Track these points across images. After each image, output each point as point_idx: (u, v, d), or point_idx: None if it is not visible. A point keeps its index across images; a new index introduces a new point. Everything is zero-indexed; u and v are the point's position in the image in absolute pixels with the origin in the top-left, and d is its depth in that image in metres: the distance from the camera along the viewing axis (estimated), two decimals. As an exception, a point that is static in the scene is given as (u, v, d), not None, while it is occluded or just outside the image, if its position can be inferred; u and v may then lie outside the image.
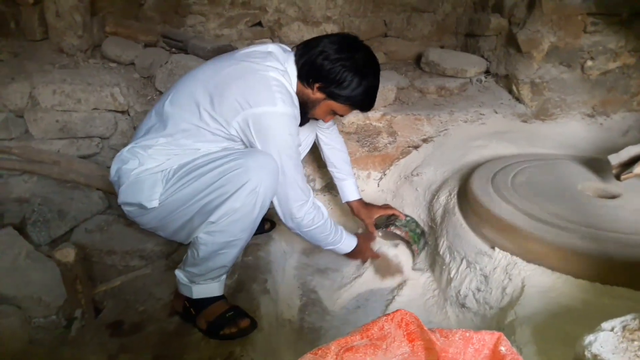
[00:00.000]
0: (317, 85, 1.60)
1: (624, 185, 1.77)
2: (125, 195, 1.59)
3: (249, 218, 1.48)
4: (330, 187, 2.50)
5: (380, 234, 2.07)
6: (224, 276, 1.63)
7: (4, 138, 2.23)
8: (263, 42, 1.71)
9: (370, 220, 2.07)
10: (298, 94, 1.62)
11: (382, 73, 2.80)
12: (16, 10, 2.54)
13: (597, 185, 1.87)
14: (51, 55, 2.53)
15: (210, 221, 1.47)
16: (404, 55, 3.31)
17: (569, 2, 2.44)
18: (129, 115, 2.43)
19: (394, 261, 1.99)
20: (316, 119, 1.76)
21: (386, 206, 2.13)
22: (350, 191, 2.11)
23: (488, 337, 0.77)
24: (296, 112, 1.57)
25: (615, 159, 1.73)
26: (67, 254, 1.60)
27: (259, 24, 3.13)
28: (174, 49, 2.86)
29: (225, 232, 1.47)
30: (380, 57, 3.19)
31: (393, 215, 2.06)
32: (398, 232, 1.98)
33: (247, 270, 1.89)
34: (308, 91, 1.62)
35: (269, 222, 2.21)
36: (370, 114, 2.54)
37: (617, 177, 1.73)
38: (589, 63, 2.56)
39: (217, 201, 1.45)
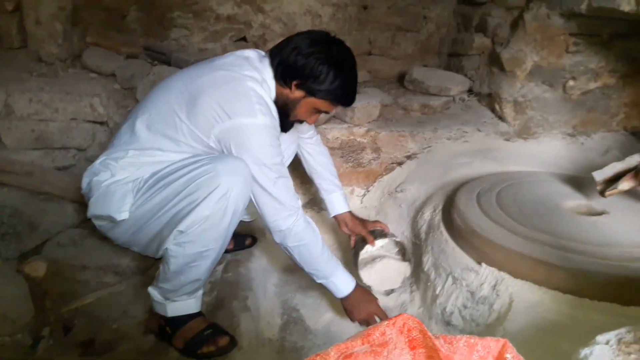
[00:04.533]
0: (294, 83, 1.55)
1: (608, 202, 1.77)
2: (94, 207, 1.53)
3: (221, 226, 1.41)
4: (313, 203, 2.46)
5: (380, 244, 1.93)
6: (200, 292, 1.57)
7: (-25, 147, 2.16)
8: (242, 49, 1.66)
9: (367, 231, 1.93)
10: (278, 96, 1.58)
11: (366, 90, 2.86)
12: (-6, 17, 2.49)
13: (581, 202, 1.86)
14: (29, 64, 2.48)
15: (179, 230, 1.40)
16: (387, 73, 3.33)
17: (552, 22, 2.47)
18: (107, 126, 2.37)
19: None
20: (300, 121, 1.69)
21: (376, 222, 2.04)
22: (339, 203, 2.00)
23: (493, 344, 0.73)
24: (275, 123, 1.53)
25: (600, 176, 1.73)
26: (37, 268, 1.52)
27: (244, 38, 3.12)
28: (156, 62, 2.83)
29: (195, 242, 1.41)
30: (364, 75, 3.21)
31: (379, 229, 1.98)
32: (397, 239, 1.92)
33: (227, 287, 1.83)
34: (287, 91, 1.57)
35: (251, 238, 2.15)
36: (354, 129, 2.53)
37: (602, 194, 1.72)
38: (571, 83, 2.59)
39: (186, 209, 1.38)
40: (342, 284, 1.66)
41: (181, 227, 1.39)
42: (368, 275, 1.87)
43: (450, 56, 3.28)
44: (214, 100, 1.44)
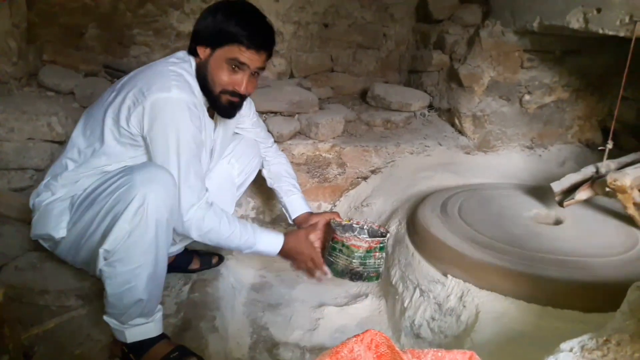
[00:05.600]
0: (199, 47, 1.52)
1: (567, 212, 1.84)
2: (35, 228, 1.51)
3: (145, 239, 1.34)
4: (280, 220, 2.45)
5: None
6: (159, 314, 1.50)
7: None
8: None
9: (331, 212, 1.93)
10: (197, 71, 1.54)
11: (329, 106, 2.89)
12: (-57, 35, 2.40)
13: (541, 212, 1.92)
14: (-19, 83, 2.39)
15: (105, 249, 1.34)
16: (350, 90, 3.37)
17: (507, 39, 2.57)
18: (66, 146, 2.31)
19: None
20: (233, 93, 1.55)
21: (333, 212, 2.01)
22: (300, 205, 1.94)
23: (460, 357, 0.74)
24: (195, 101, 1.49)
25: (558, 186, 1.80)
26: (-7, 294, 1.47)
27: (206, 56, 3.10)
28: (116, 79, 2.77)
29: (124, 259, 1.34)
30: (327, 91, 3.24)
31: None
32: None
33: (194, 307, 1.79)
34: (198, 59, 1.54)
35: (217, 256, 2.11)
36: (319, 145, 2.55)
37: (560, 204, 1.79)
38: (527, 97, 2.69)
39: (110, 225, 1.34)
40: (270, 244, 1.65)
41: (107, 245, 1.33)
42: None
43: (410, 72, 3.36)
44: (134, 87, 1.45)
